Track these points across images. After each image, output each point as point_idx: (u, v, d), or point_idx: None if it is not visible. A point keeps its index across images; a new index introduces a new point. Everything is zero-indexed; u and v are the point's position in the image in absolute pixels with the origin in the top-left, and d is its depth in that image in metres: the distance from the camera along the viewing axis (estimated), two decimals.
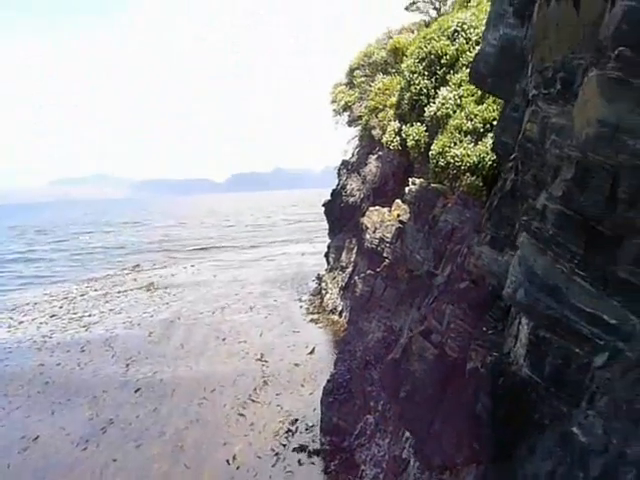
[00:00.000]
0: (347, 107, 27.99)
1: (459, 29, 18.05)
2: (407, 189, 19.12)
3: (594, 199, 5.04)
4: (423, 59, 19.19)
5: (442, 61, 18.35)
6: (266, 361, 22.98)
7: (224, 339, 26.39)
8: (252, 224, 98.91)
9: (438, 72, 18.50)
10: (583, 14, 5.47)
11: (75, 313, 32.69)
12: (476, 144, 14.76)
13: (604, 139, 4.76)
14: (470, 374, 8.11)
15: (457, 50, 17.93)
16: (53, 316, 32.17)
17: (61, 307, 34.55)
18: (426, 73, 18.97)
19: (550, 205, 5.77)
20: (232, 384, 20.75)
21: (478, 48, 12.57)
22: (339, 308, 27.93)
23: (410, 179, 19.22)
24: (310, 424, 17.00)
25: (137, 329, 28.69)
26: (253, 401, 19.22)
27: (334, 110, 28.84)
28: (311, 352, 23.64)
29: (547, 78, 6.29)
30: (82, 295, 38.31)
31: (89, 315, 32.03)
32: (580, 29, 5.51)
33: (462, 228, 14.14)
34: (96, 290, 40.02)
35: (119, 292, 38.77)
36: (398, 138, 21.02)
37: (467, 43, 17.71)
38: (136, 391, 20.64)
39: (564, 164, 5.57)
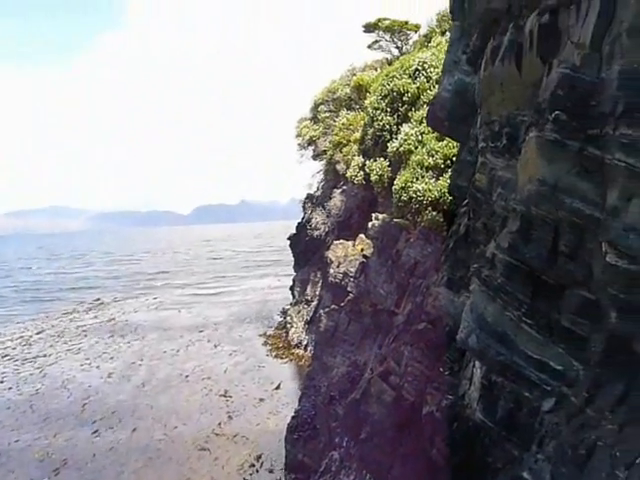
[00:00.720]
0: (312, 141, 28.32)
1: (420, 68, 18.77)
2: (370, 224, 19.36)
3: (537, 251, 5.29)
4: (386, 96, 19.77)
5: (404, 98, 18.95)
6: (230, 396, 22.66)
7: (187, 376, 25.73)
8: (217, 257, 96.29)
9: (400, 109, 19.09)
10: (525, 76, 5.81)
11: (29, 353, 31.04)
12: (437, 179, 15.22)
13: (544, 197, 5.04)
14: (426, 419, 8.23)
15: (418, 88, 18.60)
16: (5, 357, 30.48)
17: (14, 348, 32.60)
18: (389, 110, 19.54)
19: (498, 255, 6.00)
20: (195, 420, 20.40)
21: (435, 91, 13.05)
22: (304, 342, 27.74)
23: (373, 214, 19.50)
24: (274, 459, 16.77)
25: (95, 370, 27.62)
26: (217, 435, 18.94)
27: (299, 144, 29.17)
28: (277, 387, 23.43)
29: (494, 132, 6.61)
30: (38, 333, 36.33)
31: (44, 355, 30.48)
32: (523, 89, 5.85)
33: (424, 262, 14.42)
34: (53, 326, 38.24)
35: (77, 328, 37.15)
36: (362, 173, 21.39)
37: (428, 82, 18.41)
38: (93, 433, 19.90)
39: (510, 216, 5.84)
